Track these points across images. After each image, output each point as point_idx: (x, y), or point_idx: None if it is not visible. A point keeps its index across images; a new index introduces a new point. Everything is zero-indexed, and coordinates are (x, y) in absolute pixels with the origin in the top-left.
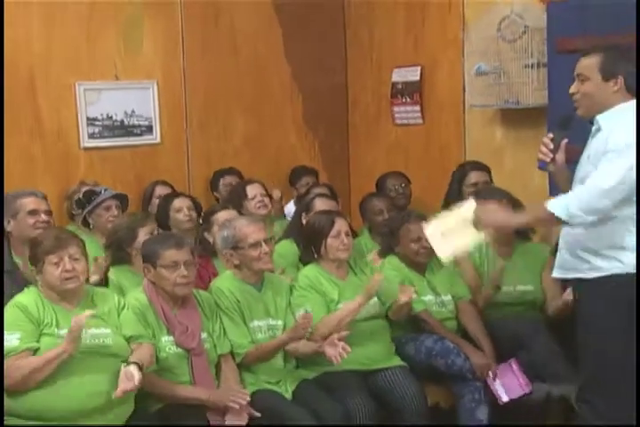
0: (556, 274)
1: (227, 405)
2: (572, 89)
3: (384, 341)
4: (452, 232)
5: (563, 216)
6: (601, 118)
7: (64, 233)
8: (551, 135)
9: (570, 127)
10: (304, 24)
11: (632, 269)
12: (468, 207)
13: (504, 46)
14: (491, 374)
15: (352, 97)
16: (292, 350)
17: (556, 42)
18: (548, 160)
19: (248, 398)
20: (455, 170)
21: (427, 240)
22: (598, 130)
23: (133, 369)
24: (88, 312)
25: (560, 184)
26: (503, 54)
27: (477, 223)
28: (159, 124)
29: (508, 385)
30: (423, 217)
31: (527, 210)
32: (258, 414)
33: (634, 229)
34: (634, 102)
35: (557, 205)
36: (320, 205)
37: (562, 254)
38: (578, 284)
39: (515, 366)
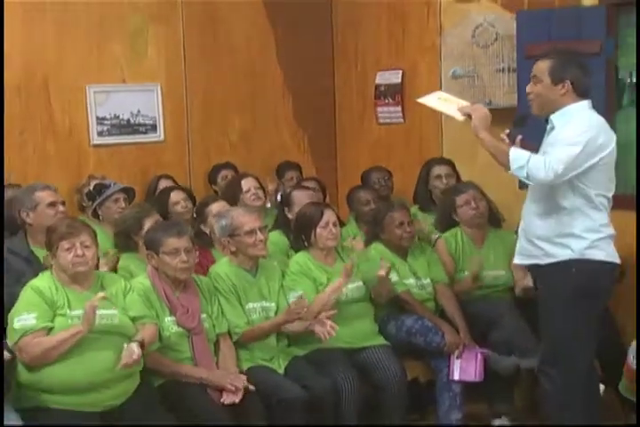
0: (516, 260)
1: (224, 386)
2: (528, 89)
3: (368, 321)
4: (444, 100)
5: (512, 165)
6: (554, 118)
7: (77, 222)
8: (507, 131)
9: (524, 125)
10: (295, 31)
11: (581, 255)
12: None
13: (477, 52)
14: (457, 352)
15: (339, 98)
16: (285, 328)
17: (525, 48)
18: None
19: (245, 383)
20: (424, 165)
21: (409, 225)
22: (552, 128)
23: (135, 346)
24: (100, 295)
25: None
26: (477, 59)
27: (463, 109)
28: (162, 123)
29: (465, 368)
30: (405, 206)
31: (495, 138)
32: (253, 388)
33: (583, 219)
34: (584, 103)
35: (518, 156)
36: (298, 196)
37: (520, 242)
38: (535, 269)
39: (479, 357)
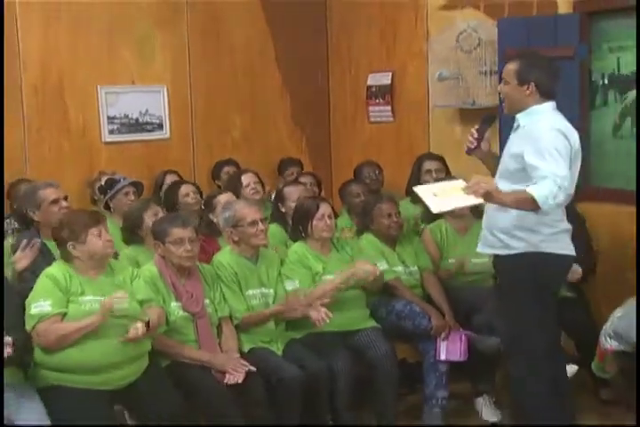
0: (479, 249)
1: (227, 370)
2: (498, 89)
3: (360, 306)
4: (446, 194)
5: (542, 205)
6: (520, 117)
7: (94, 213)
8: (477, 127)
9: (492, 124)
10: (292, 36)
11: (536, 248)
12: (459, 182)
13: (462, 56)
14: (443, 334)
15: (333, 98)
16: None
17: (505, 52)
18: (473, 147)
19: (246, 368)
20: (415, 160)
21: (396, 216)
22: (518, 126)
23: (140, 325)
24: (119, 295)
25: (488, 167)
26: (461, 63)
27: (470, 189)
28: (168, 122)
29: (451, 349)
30: (392, 198)
31: (509, 193)
32: (254, 369)
33: (540, 215)
34: (548, 105)
35: (541, 195)
36: (290, 191)
37: (483, 233)
38: (495, 259)
39: (464, 338)
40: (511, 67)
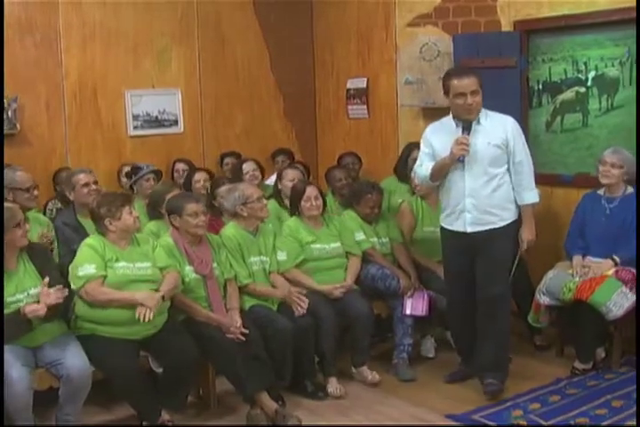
0: (470, 230)
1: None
2: (470, 101)
3: (343, 271)
4: None
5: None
6: (480, 116)
7: (125, 194)
8: (467, 137)
9: (470, 130)
10: (285, 49)
11: (517, 215)
12: None
13: (424, 64)
14: (409, 293)
15: (319, 98)
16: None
17: (459, 62)
18: (467, 154)
19: (245, 331)
20: (404, 148)
21: (379, 207)
22: (479, 123)
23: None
24: (160, 294)
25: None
26: (424, 70)
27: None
28: (182, 119)
29: (415, 306)
30: (382, 191)
31: (525, 221)
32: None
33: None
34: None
35: (534, 197)
36: (287, 172)
37: (473, 215)
38: (488, 232)
39: (426, 296)
40: (475, 80)
